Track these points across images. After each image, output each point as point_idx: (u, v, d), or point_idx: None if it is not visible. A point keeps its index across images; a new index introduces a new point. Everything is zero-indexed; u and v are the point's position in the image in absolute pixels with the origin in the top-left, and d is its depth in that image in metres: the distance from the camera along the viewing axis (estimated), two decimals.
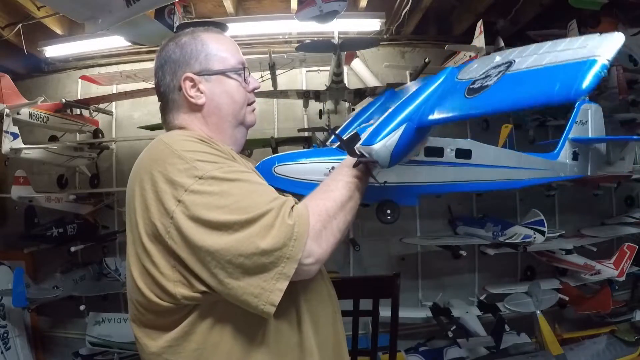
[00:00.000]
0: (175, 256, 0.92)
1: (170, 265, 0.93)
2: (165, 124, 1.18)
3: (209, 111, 1.13)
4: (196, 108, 1.12)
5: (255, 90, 1.23)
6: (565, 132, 1.46)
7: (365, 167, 1.13)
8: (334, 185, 1.09)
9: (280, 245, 0.88)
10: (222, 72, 1.13)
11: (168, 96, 1.14)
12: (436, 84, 1.12)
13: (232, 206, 0.89)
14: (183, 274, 0.92)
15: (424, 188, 1.24)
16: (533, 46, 0.94)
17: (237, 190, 0.92)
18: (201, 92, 1.11)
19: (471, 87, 0.96)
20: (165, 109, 1.17)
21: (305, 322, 1.05)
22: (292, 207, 0.95)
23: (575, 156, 1.42)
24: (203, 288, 0.92)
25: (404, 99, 1.13)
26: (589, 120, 1.54)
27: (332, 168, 1.20)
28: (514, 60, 0.92)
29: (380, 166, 1.11)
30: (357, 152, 1.12)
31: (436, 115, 0.99)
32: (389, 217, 1.24)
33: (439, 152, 1.21)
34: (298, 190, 1.28)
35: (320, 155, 1.26)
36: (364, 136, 1.15)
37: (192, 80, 1.10)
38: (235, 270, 0.88)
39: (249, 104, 1.20)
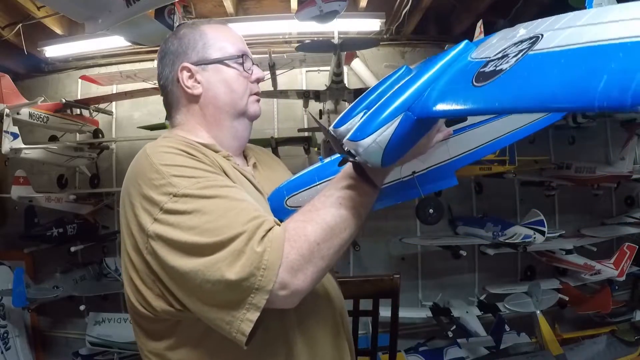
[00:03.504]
0: (154, 271, 0.90)
1: (151, 279, 0.91)
2: (169, 120, 1.17)
3: (206, 102, 1.09)
4: (193, 99, 1.09)
5: (260, 81, 1.17)
6: None
7: (360, 170, 0.91)
8: (321, 203, 0.89)
9: (246, 275, 0.79)
10: (220, 61, 1.09)
11: (167, 89, 1.12)
12: (444, 61, 0.83)
13: (203, 227, 0.82)
14: (162, 290, 0.90)
15: (459, 161, 1.02)
16: (571, 14, 0.63)
17: (213, 208, 0.84)
18: (198, 82, 1.08)
19: (482, 70, 0.71)
20: (166, 103, 1.15)
21: (297, 343, 0.98)
22: (269, 230, 0.83)
23: None
24: (180, 307, 0.89)
25: (407, 79, 0.87)
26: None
27: None
28: (541, 35, 0.64)
29: (371, 167, 0.87)
30: (346, 149, 0.88)
31: (440, 107, 0.75)
32: (434, 215, 1.00)
33: None
34: None
35: (330, 170, 1.02)
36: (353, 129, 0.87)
37: (189, 70, 1.07)
38: (204, 296, 0.83)
39: (253, 95, 1.14)
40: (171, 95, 1.12)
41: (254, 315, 0.81)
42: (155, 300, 0.91)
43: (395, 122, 0.81)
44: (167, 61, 1.11)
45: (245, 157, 1.21)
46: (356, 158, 0.85)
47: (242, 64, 1.11)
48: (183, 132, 1.09)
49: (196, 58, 1.08)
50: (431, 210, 1.00)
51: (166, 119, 1.18)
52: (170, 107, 1.14)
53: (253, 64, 1.15)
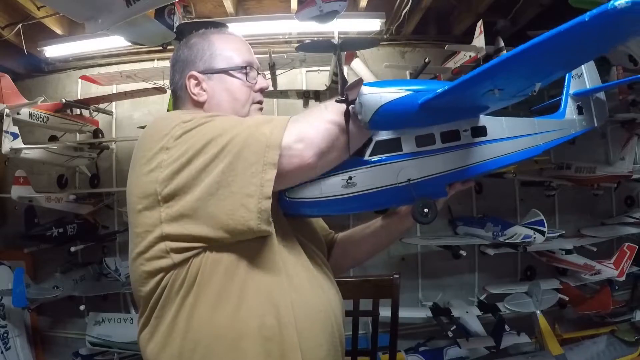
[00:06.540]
0: (164, 200, 0.94)
1: (159, 219, 0.95)
2: None
3: (210, 108, 1.16)
4: (198, 105, 1.17)
5: (264, 91, 1.23)
6: (565, 88, 1.37)
7: (352, 115, 1.02)
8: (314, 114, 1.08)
9: (258, 135, 0.95)
10: (224, 71, 1.16)
11: (177, 94, 1.20)
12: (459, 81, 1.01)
13: (223, 125, 0.97)
14: (171, 220, 0.94)
15: (450, 176, 1.13)
16: None
17: (223, 119, 1.02)
18: (203, 90, 1.15)
19: None
20: (175, 106, 1.23)
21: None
22: None
23: (580, 110, 1.32)
24: (190, 230, 0.93)
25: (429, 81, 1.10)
26: (583, 72, 1.42)
27: (350, 178, 1.09)
28: None
29: (359, 118, 1.00)
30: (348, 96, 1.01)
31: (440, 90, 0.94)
32: (428, 216, 1.10)
33: (455, 135, 1.12)
34: (317, 211, 1.15)
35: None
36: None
37: (195, 78, 1.15)
38: (224, 175, 0.92)
39: (255, 103, 1.21)
40: (179, 99, 1.20)
41: (272, 174, 0.92)
42: (164, 245, 0.95)
43: (403, 93, 0.99)
44: (177, 68, 1.19)
45: None
46: (352, 106, 1.00)
47: (246, 74, 1.17)
48: None
49: (203, 67, 1.16)
50: (426, 210, 1.10)
51: None
52: (177, 108, 1.22)
53: (258, 74, 1.21)
